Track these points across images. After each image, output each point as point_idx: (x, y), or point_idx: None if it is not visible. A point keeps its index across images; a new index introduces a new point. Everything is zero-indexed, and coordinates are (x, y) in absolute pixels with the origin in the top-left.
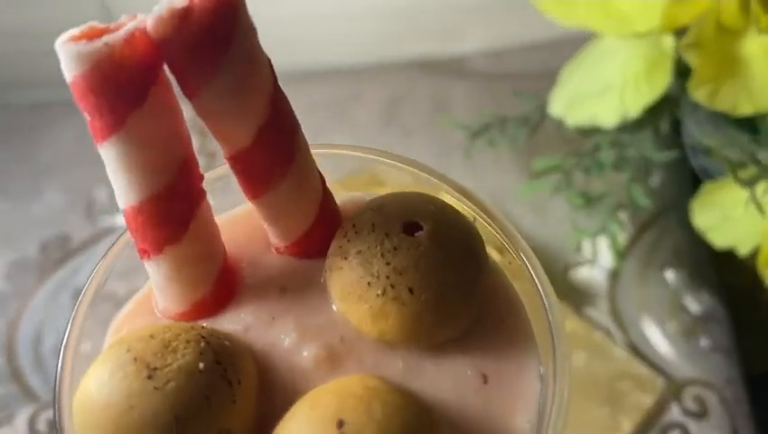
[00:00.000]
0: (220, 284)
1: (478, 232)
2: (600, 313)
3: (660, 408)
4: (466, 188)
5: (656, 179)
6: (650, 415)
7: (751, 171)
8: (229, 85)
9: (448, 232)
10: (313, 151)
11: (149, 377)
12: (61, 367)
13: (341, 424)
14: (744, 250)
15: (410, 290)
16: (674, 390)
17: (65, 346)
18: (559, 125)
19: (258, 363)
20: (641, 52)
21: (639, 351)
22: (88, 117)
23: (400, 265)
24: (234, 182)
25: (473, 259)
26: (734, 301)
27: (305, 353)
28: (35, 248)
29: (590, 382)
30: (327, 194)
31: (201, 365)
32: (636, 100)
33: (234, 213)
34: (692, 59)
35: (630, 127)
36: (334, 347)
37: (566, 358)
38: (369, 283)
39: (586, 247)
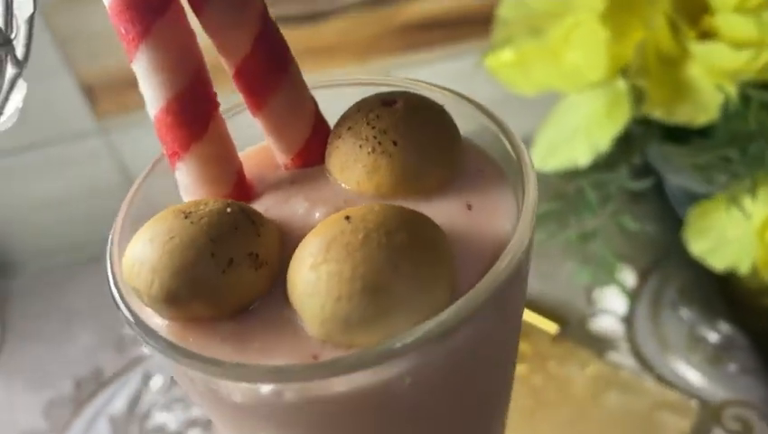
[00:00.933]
0: (239, 185)
1: (447, 112)
2: (623, 355)
3: (701, 431)
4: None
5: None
6: None
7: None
8: (225, 5)
9: (421, 103)
10: None
11: (186, 217)
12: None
13: (347, 218)
14: (744, 268)
15: (394, 143)
16: (713, 413)
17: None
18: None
19: (279, 228)
20: (601, 96)
21: (669, 382)
22: (123, 31)
23: (383, 126)
24: (240, 127)
25: (445, 122)
26: (752, 325)
27: (317, 215)
28: (70, 385)
29: (626, 419)
30: (317, 107)
31: (229, 209)
32: (603, 135)
33: (244, 153)
34: (642, 84)
35: (605, 166)
36: (340, 207)
37: (532, 181)
38: (360, 146)
39: (597, 297)
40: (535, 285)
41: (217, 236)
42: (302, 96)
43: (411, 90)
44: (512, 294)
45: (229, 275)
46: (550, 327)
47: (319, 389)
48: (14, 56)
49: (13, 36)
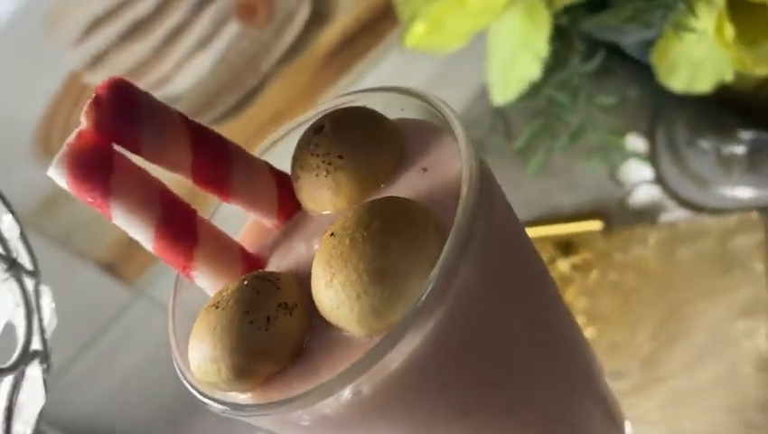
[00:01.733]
0: (247, 262)
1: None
2: (671, 212)
3: None
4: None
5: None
6: None
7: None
8: (153, 137)
9: (344, 115)
10: None
11: (216, 307)
12: None
13: (332, 234)
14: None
15: (340, 157)
16: None
17: None
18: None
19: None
20: (517, 12)
21: (724, 210)
22: (91, 200)
23: (324, 150)
24: (227, 217)
25: (372, 118)
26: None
27: (316, 247)
28: None
29: (708, 262)
30: (271, 167)
31: (245, 282)
32: (537, 42)
33: (240, 235)
34: None
35: (557, 66)
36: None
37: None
38: (316, 175)
39: (621, 177)
40: (563, 200)
41: (247, 306)
42: (254, 168)
43: (338, 107)
44: (492, 211)
45: (272, 329)
46: (595, 226)
47: (383, 371)
48: (26, 270)
49: (15, 255)
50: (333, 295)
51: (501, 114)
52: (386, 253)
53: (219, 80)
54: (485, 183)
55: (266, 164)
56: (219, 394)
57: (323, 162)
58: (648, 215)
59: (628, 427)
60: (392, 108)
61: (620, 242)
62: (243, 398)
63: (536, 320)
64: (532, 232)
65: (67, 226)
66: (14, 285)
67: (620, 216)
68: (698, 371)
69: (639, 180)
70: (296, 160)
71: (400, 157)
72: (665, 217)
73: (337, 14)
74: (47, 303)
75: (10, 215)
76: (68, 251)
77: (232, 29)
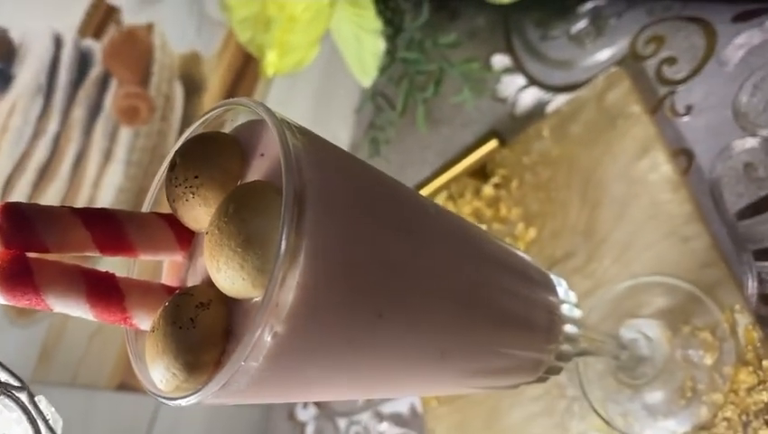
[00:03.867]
0: (171, 292)
1: (210, 132)
2: (559, 99)
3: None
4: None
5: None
6: None
7: None
8: (51, 233)
9: (188, 146)
10: None
11: (152, 331)
12: None
13: (207, 232)
14: None
15: (196, 177)
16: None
17: None
18: (380, 86)
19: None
20: (344, 5)
21: (593, 76)
22: (28, 302)
23: (182, 178)
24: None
25: (202, 140)
26: None
27: None
28: None
29: (591, 127)
30: (156, 213)
31: (166, 303)
32: (370, 19)
33: (163, 275)
34: None
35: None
36: None
37: (272, 117)
38: (186, 200)
39: (497, 91)
40: (465, 139)
41: (173, 318)
42: (144, 221)
43: (182, 142)
44: (316, 161)
45: (198, 324)
46: (492, 145)
47: (284, 306)
48: (13, 386)
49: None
50: (225, 275)
51: (378, 93)
52: (245, 224)
53: (135, 180)
54: (302, 142)
55: (152, 213)
56: (183, 393)
57: (186, 187)
58: (537, 114)
59: (556, 279)
60: (226, 124)
61: (522, 147)
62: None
63: (402, 227)
64: (448, 175)
65: (67, 368)
66: (8, 402)
67: (516, 126)
68: (628, 217)
69: (516, 90)
70: (168, 196)
71: (242, 154)
72: (550, 108)
73: (207, 78)
74: (44, 406)
75: None
76: (81, 388)
77: (125, 134)
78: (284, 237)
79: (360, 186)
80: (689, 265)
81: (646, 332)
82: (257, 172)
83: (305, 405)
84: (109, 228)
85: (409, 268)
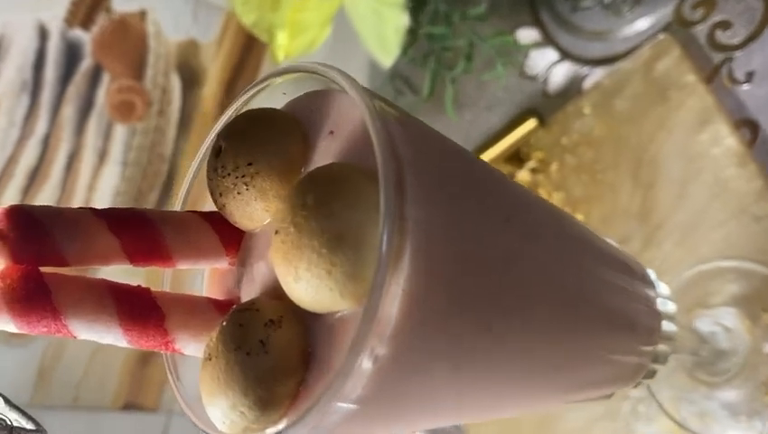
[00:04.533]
0: (219, 307)
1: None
2: (597, 74)
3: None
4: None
5: None
6: None
7: None
8: (69, 241)
9: (232, 129)
10: None
11: (209, 359)
12: None
13: (276, 232)
14: None
15: (249, 164)
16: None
17: None
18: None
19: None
20: None
21: (635, 46)
22: (46, 330)
23: (230, 167)
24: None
25: (259, 116)
26: None
27: None
28: None
29: (639, 100)
30: (198, 213)
31: (224, 323)
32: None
33: (205, 288)
34: None
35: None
36: None
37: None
38: (238, 192)
39: (530, 69)
40: (494, 120)
41: (236, 343)
42: (182, 221)
43: (224, 124)
44: (411, 138)
45: (271, 349)
46: (531, 125)
47: (387, 324)
48: (27, 430)
49: (10, 422)
50: (306, 285)
51: (398, 75)
52: (333, 218)
53: (133, 182)
54: (393, 117)
55: (191, 212)
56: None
57: (237, 177)
58: (573, 91)
59: (652, 274)
60: (275, 99)
61: (560, 127)
62: (281, 426)
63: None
64: None
65: (68, 389)
66: None
67: (549, 105)
68: (689, 196)
69: (548, 65)
70: (213, 191)
71: (304, 135)
72: (587, 84)
73: (205, 68)
74: None
75: None
76: (84, 410)
77: (120, 132)
78: (385, 233)
79: (463, 168)
80: (763, 245)
81: (724, 323)
82: (325, 155)
83: None
84: (141, 232)
85: (519, 269)
